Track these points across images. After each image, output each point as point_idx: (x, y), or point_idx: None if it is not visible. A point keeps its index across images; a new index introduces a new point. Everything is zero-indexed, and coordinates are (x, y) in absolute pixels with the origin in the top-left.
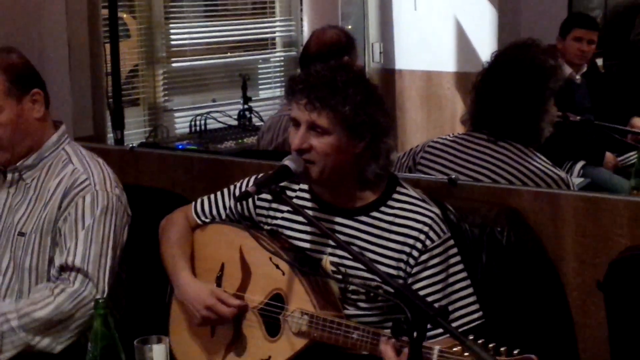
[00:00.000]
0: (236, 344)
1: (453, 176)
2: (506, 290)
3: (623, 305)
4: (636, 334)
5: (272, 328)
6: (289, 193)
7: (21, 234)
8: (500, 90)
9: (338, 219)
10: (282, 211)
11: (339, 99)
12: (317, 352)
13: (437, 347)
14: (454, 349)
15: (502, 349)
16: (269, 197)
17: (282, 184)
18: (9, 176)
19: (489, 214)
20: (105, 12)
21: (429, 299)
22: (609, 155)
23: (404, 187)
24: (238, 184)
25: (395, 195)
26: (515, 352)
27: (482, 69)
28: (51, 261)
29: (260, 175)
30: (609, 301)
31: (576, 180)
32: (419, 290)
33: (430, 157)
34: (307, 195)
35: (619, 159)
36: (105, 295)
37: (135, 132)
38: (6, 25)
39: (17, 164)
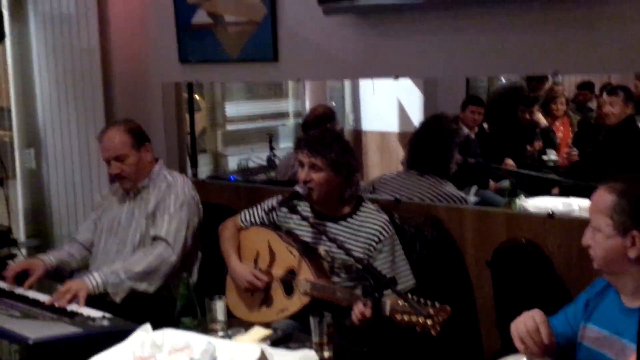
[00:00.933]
0: (267, 300)
1: (398, 197)
2: (431, 267)
3: (502, 277)
4: (510, 295)
5: (289, 290)
6: (297, 206)
7: (136, 222)
8: (425, 144)
9: (328, 223)
10: (293, 219)
11: (327, 150)
12: (315, 307)
13: (388, 301)
14: (399, 302)
15: (428, 302)
16: (285, 210)
17: (294, 201)
18: (131, 194)
19: (419, 220)
20: (185, 94)
21: (383, 271)
22: (491, 182)
23: (366, 203)
24: (267, 202)
25: (362, 208)
26: (437, 304)
27: (414, 130)
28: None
29: (280, 196)
30: (494, 274)
31: (473, 199)
32: (378, 266)
33: (382, 185)
34: (308, 209)
35: (497, 184)
36: (178, 257)
37: (204, 170)
38: (128, 104)
39: (137, 185)
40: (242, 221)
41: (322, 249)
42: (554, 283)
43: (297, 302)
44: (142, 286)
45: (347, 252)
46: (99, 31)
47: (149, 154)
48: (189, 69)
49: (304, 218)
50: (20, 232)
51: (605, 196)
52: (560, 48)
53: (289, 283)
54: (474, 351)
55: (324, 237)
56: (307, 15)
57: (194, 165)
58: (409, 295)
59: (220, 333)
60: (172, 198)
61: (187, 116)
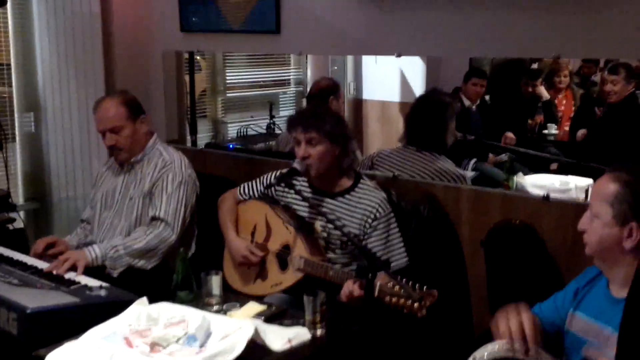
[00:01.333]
0: (262, 274)
1: (396, 174)
2: (427, 244)
3: (496, 257)
4: (502, 275)
5: (283, 265)
6: (295, 182)
7: (131, 198)
8: (421, 119)
9: (326, 199)
10: (291, 193)
11: (321, 122)
12: (309, 282)
13: (378, 283)
14: (389, 284)
15: (417, 285)
16: (283, 185)
17: (291, 177)
18: (125, 167)
19: (416, 197)
20: (186, 55)
21: (377, 248)
22: (490, 155)
23: (365, 180)
24: (266, 176)
25: (360, 185)
26: (424, 288)
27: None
28: (147, 215)
29: (279, 171)
30: (487, 254)
31: (470, 173)
32: (372, 242)
33: (381, 161)
34: (306, 184)
35: (496, 157)
36: (177, 236)
37: (203, 136)
38: (128, 70)
39: (131, 160)
40: (240, 194)
41: (318, 225)
42: (546, 265)
43: (290, 277)
44: (140, 263)
45: (342, 230)
46: None
47: (145, 126)
48: (191, 37)
49: (299, 193)
50: (19, 196)
51: (609, 184)
52: (562, 31)
53: (283, 258)
54: (465, 328)
55: (319, 213)
56: None
57: (193, 132)
58: (398, 278)
59: (215, 307)
60: (170, 177)
61: (186, 78)
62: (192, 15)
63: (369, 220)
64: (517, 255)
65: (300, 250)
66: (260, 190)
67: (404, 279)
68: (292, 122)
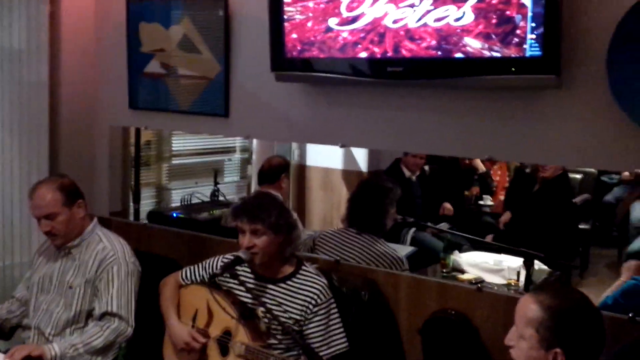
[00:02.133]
0: (202, 359)
1: (338, 259)
2: (366, 329)
3: (432, 345)
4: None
5: (224, 351)
6: (240, 269)
7: (70, 287)
8: (361, 203)
9: (268, 285)
10: (234, 281)
11: (266, 214)
12: None
13: None
14: None
15: None
16: (227, 274)
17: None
18: (62, 252)
19: (357, 282)
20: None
21: (318, 333)
22: (428, 228)
23: (306, 266)
24: (209, 262)
25: (301, 271)
26: None
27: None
28: (89, 306)
29: (223, 258)
30: (424, 342)
31: (408, 249)
32: (313, 327)
33: (323, 242)
34: (249, 270)
35: (435, 226)
36: (133, 329)
37: (147, 202)
38: (74, 142)
39: (67, 244)
40: (183, 279)
41: (260, 310)
42: (480, 353)
43: None
44: (98, 359)
45: (283, 325)
46: (49, 67)
47: (82, 210)
48: (139, 115)
49: (242, 284)
50: None
51: (532, 308)
52: (495, 136)
53: (224, 344)
54: None
55: (262, 299)
56: (260, 78)
57: (137, 201)
58: None
59: None
60: (115, 270)
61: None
62: (141, 93)
63: (310, 307)
64: (452, 344)
65: (241, 336)
66: (203, 274)
67: None
68: (237, 212)
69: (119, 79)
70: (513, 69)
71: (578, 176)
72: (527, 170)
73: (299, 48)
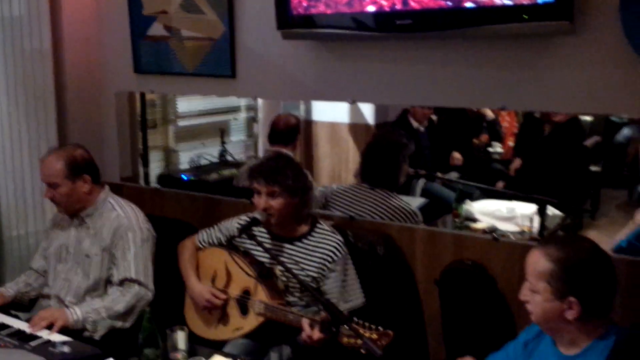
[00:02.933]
0: (223, 319)
1: (352, 214)
2: (383, 283)
3: (449, 295)
4: (456, 313)
5: (244, 310)
6: (256, 229)
7: (87, 256)
8: (375, 158)
9: (285, 244)
10: (251, 242)
11: (282, 177)
12: (270, 327)
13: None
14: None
15: (372, 326)
16: (245, 235)
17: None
18: (75, 221)
19: (372, 237)
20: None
21: (335, 289)
22: (439, 174)
23: (321, 224)
24: (225, 224)
25: (316, 229)
26: (380, 328)
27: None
28: (107, 274)
29: (240, 220)
30: (441, 293)
31: (420, 200)
32: (330, 284)
33: (336, 199)
34: (265, 231)
35: (445, 176)
36: (153, 293)
37: (155, 166)
38: (80, 110)
39: (81, 214)
40: (200, 242)
41: (278, 269)
42: (497, 303)
43: (252, 321)
44: (119, 323)
45: (302, 283)
46: (51, 34)
47: (87, 185)
48: (144, 79)
49: (260, 244)
50: None
51: (541, 261)
52: (508, 85)
53: (244, 303)
54: None
55: (280, 259)
56: (266, 37)
57: (146, 165)
58: (355, 320)
59: None
60: (130, 237)
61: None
62: (146, 56)
63: (327, 264)
64: (469, 293)
65: (260, 295)
66: (219, 237)
67: (360, 321)
68: (254, 173)
69: (123, 44)
70: (525, 16)
71: (588, 118)
72: (537, 114)
73: (304, 4)
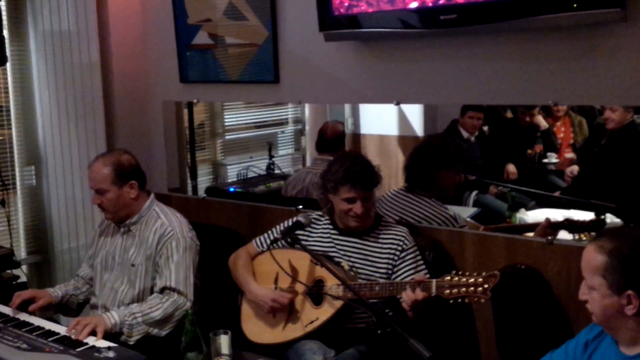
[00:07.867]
0: (292, 317)
1: (398, 219)
2: None
3: (502, 302)
4: (510, 320)
5: (317, 300)
6: (319, 223)
7: (133, 265)
8: (412, 160)
9: (351, 238)
10: (312, 236)
11: (376, 181)
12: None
13: (433, 281)
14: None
15: (473, 273)
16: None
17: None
18: (122, 229)
19: (421, 242)
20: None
21: (407, 274)
22: (491, 188)
23: (384, 217)
24: (275, 229)
25: (382, 223)
26: (483, 272)
27: (413, 146)
28: (152, 283)
29: (286, 224)
30: (494, 299)
31: (471, 210)
32: (403, 270)
33: (384, 204)
34: (330, 225)
35: (498, 188)
36: (192, 302)
37: (204, 179)
38: (128, 120)
39: (126, 222)
40: (258, 245)
41: (345, 264)
42: (553, 309)
43: (327, 309)
44: (155, 331)
45: (338, 279)
46: (99, 47)
47: (133, 191)
48: (190, 88)
49: (304, 247)
50: (21, 249)
51: (595, 256)
52: (558, 79)
53: (315, 293)
54: None
55: (346, 253)
56: (308, 40)
57: (194, 177)
58: (453, 272)
59: None
60: (174, 245)
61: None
62: (191, 65)
63: (397, 252)
64: (523, 299)
65: (333, 280)
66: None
67: (458, 271)
68: (353, 179)
69: (169, 54)
70: (575, 4)
71: None
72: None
73: (346, 4)
